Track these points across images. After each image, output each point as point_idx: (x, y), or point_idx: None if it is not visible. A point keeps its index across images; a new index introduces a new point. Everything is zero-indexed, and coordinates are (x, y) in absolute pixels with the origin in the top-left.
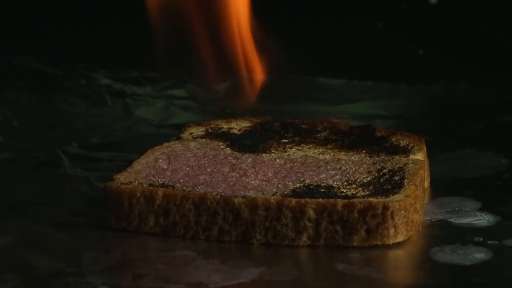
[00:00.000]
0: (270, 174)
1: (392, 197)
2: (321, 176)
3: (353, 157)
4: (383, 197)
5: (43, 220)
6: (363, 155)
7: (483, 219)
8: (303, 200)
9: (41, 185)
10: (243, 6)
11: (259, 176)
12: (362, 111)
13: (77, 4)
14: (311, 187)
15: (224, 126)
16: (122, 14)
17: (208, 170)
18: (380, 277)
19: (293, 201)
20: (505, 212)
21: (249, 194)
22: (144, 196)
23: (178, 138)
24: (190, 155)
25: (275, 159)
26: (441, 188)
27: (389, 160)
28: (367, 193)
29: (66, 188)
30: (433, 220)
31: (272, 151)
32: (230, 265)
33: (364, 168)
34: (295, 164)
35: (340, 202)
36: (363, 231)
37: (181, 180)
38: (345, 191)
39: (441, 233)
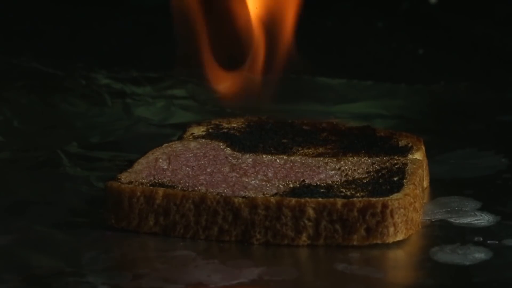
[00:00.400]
0: (270, 174)
1: (391, 196)
2: (321, 176)
3: (352, 158)
4: (383, 197)
5: (43, 220)
6: (362, 155)
7: (483, 219)
8: (302, 200)
9: (41, 185)
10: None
11: (259, 176)
12: (362, 111)
13: (77, 4)
14: (311, 187)
15: (225, 126)
16: (122, 14)
17: (208, 170)
18: (380, 277)
19: (293, 200)
20: (505, 212)
21: (249, 194)
22: (144, 196)
23: (180, 138)
24: (190, 155)
25: (275, 159)
26: (441, 188)
27: (388, 160)
28: (366, 193)
29: (66, 188)
30: (433, 220)
31: (272, 151)
32: (230, 265)
33: (363, 168)
34: (295, 164)
35: (339, 201)
36: (362, 230)
37: (181, 180)
38: (344, 191)
39: (441, 233)
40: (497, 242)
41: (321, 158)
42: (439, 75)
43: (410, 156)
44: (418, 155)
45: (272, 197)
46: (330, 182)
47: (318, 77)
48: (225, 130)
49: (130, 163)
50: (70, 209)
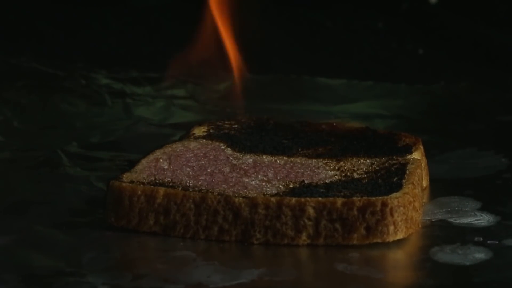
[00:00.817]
0: (270, 175)
1: (390, 195)
2: (320, 177)
3: (351, 158)
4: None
5: (43, 220)
6: (361, 156)
7: (483, 219)
8: (302, 199)
9: (41, 185)
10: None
11: (259, 176)
12: (362, 111)
13: (77, 4)
14: (311, 187)
15: (226, 126)
16: (122, 14)
17: (209, 170)
18: (379, 277)
19: (293, 199)
20: (505, 212)
21: (249, 194)
22: (145, 195)
23: (183, 139)
24: (191, 155)
25: (275, 160)
26: (441, 188)
27: (387, 160)
28: (366, 193)
29: (66, 188)
30: (433, 220)
31: (273, 151)
32: (230, 266)
33: (362, 169)
34: (295, 165)
35: (339, 200)
36: (362, 229)
37: (182, 180)
38: (344, 191)
39: (441, 233)
40: (497, 242)
41: (321, 159)
42: (439, 75)
43: (408, 156)
44: (417, 154)
45: (272, 197)
46: (329, 182)
47: (318, 77)
48: (226, 131)
49: (130, 163)
50: (70, 209)
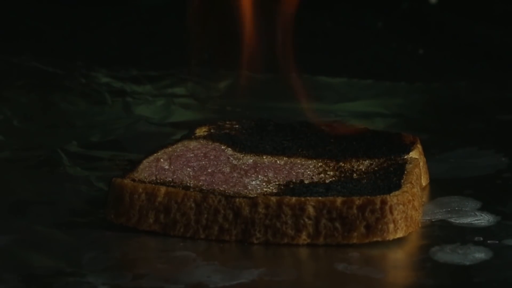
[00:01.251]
0: (270, 175)
1: (389, 194)
2: (320, 176)
3: (351, 159)
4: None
5: (43, 220)
6: (360, 156)
7: (483, 219)
8: (302, 198)
9: (41, 185)
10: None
11: (259, 176)
12: (362, 110)
13: (77, 4)
14: (311, 187)
15: (226, 126)
16: (122, 14)
17: (209, 170)
18: (379, 277)
19: (293, 199)
20: (505, 212)
21: (249, 194)
22: (146, 193)
23: (184, 138)
24: (191, 155)
25: (276, 160)
26: (441, 187)
27: (385, 160)
28: (365, 193)
29: (66, 187)
30: (433, 219)
31: (273, 152)
32: (230, 266)
33: (361, 169)
34: (295, 165)
35: (339, 199)
36: (362, 227)
37: (183, 180)
38: (343, 191)
39: (441, 232)
40: (497, 242)
41: (321, 159)
42: (439, 75)
43: (406, 155)
44: (414, 153)
45: (272, 196)
46: (329, 182)
47: (318, 76)
48: (227, 131)
49: (130, 162)
50: (70, 209)
